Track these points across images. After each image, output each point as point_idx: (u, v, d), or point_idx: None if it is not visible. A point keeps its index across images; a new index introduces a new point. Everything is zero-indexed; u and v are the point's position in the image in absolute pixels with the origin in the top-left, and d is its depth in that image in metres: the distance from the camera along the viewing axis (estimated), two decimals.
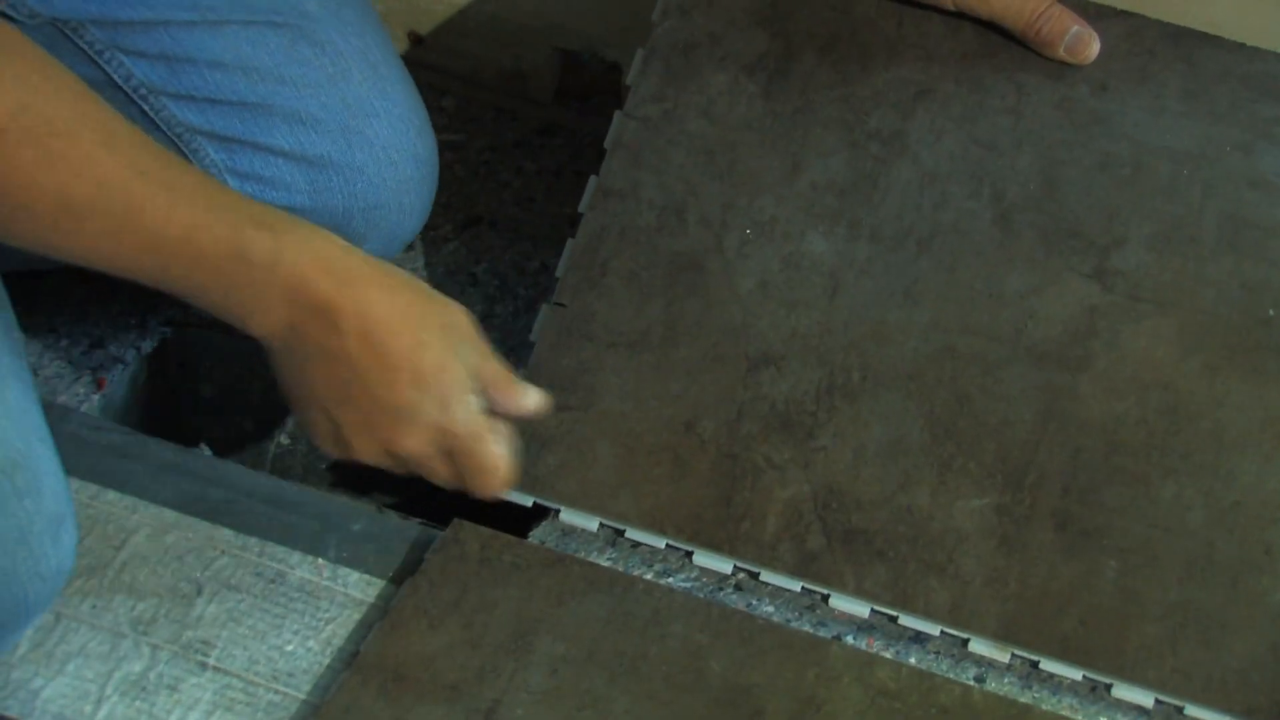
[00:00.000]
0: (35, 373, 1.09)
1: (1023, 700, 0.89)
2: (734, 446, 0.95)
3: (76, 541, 0.87)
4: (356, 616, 0.90)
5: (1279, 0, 1.06)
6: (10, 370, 0.85)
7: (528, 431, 0.93)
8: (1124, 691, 0.89)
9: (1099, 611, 0.90)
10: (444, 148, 1.16)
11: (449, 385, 0.87)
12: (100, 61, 1.02)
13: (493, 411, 0.90)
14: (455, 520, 0.93)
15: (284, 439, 1.19)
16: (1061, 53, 1.05)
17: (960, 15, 1.06)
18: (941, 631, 0.91)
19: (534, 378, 0.95)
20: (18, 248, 0.82)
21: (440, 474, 0.90)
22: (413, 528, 0.95)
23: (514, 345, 1.12)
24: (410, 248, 1.25)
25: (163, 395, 1.18)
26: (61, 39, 1.01)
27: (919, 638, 0.91)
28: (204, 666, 0.88)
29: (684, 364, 0.97)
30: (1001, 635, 0.90)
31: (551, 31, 1.34)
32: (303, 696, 0.87)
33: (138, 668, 0.88)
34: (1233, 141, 1.03)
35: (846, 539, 0.92)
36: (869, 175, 1.03)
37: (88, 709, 0.86)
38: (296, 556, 0.93)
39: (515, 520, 0.95)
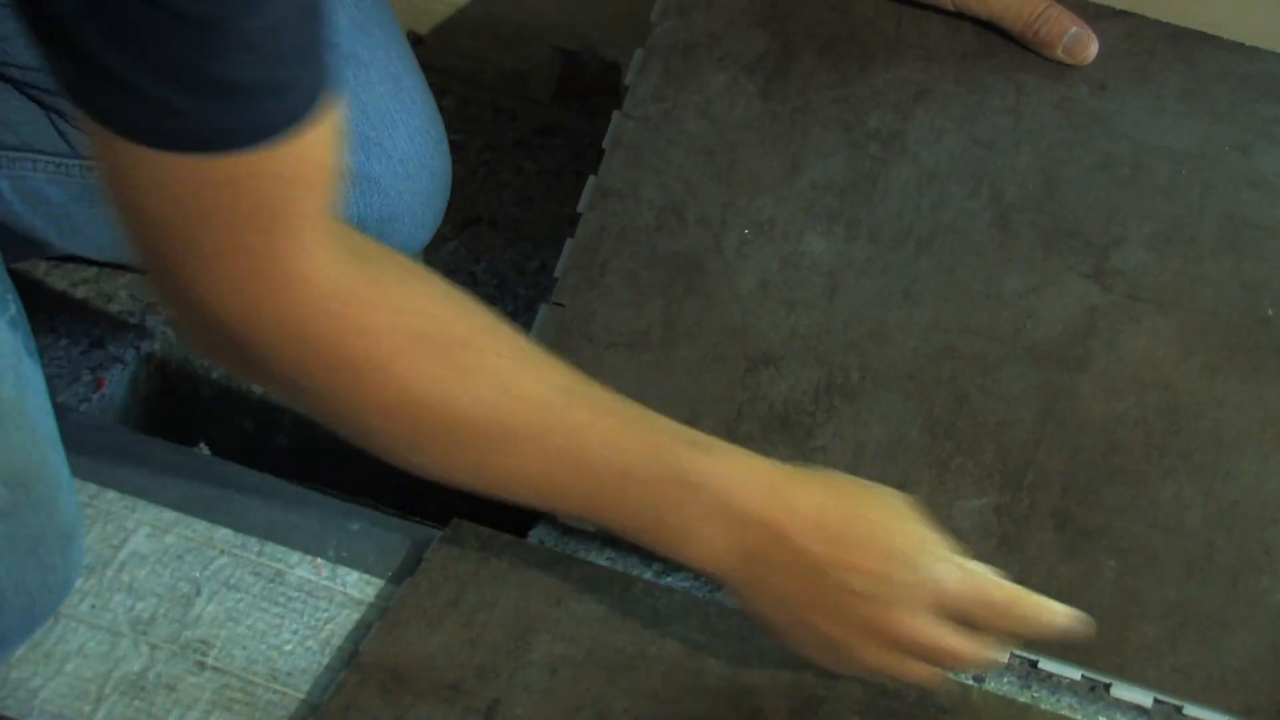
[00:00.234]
0: None
1: (1022, 700, 0.89)
2: None
3: (84, 554, 0.87)
4: (355, 616, 0.90)
5: (1279, 1, 1.06)
6: (29, 380, 0.84)
7: None
8: (1123, 691, 0.89)
9: (1098, 611, 0.89)
10: None
11: (923, 547, 0.78)
12: None
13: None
14: (454, 520, 0.93)
15: (284, 439, 1.19)
16: (1060, 53, 1.04)
17: (959, 15, 1.06)
18: None
19: None
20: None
21: (964, 655, 0.79)
22: (412, 527, 0.95)
23: None
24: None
25: (163, 395, 1.18)
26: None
27: None
28: (203, 666, 0.88)
29: (683, 364, 0.97)
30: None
31: (551, 31, 1.34)
32: (302, 696, 0.87)
33: (136, 667, 0.88)
34: (1232, 141, 1.03)
35: None
36: (868, 175, 1.02)
37: (86, 708, 0.86)
38: (296, 556, 0.93)
39: (514, 520, 0.95)
